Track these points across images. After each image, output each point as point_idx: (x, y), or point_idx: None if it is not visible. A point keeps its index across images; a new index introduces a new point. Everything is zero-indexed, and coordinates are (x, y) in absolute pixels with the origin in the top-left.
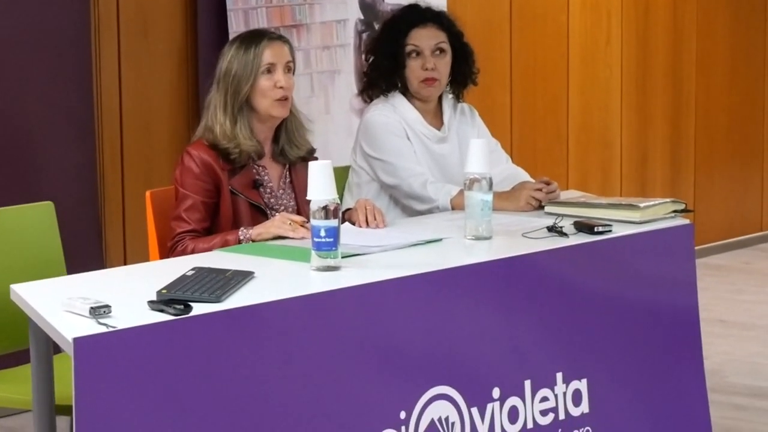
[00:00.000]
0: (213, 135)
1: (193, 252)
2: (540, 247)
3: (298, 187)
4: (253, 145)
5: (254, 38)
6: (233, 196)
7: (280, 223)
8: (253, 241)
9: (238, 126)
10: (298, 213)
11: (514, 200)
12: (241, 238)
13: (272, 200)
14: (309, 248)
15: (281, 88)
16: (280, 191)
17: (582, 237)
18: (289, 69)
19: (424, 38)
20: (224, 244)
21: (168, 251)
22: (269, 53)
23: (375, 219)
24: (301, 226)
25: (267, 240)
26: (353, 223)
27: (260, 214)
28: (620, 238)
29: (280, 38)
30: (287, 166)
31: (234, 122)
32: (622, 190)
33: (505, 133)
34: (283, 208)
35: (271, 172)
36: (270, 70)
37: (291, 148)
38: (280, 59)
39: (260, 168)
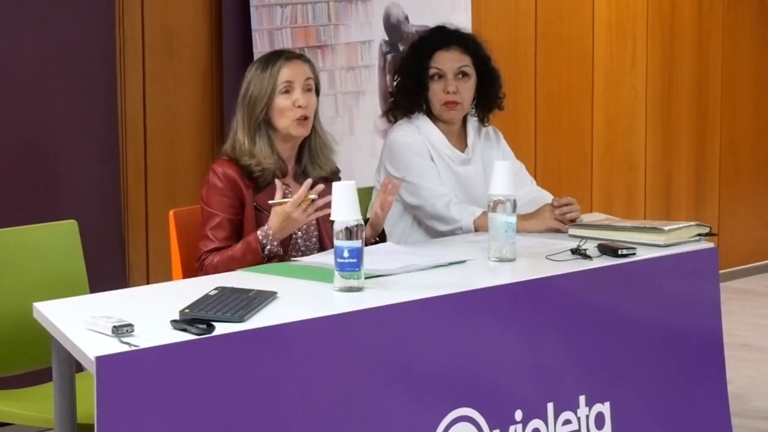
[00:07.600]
0: (235, 152)
1: (218, 264)
2: (564, 270)
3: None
4: (273, 163)
5: (273, 58)
6: (258, 213)
7: (296, 214)
8: (275, 239)
9: (257, 146)
10: (319, 233)
11: (541, 219)
12: (261, 235)
13: None
14: (332, 269)
15: (300, 107)
16: None
17: (606, 260)
18: (309, 88)
19: (447, 61)
20: (246, 247)
21: (196, 271)
22: (286, 72)
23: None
24: (303, 201)
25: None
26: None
27: None
28: (644, 261)
29: (300, 57)
30: None
31: (253, 141)
32: (647, 213)
33: (529, 155)
34: (305, 227)
35: (295, 192)
36: (288, 89)
37: (313, 168)
38: (298, 77)
39: (285, 187)
